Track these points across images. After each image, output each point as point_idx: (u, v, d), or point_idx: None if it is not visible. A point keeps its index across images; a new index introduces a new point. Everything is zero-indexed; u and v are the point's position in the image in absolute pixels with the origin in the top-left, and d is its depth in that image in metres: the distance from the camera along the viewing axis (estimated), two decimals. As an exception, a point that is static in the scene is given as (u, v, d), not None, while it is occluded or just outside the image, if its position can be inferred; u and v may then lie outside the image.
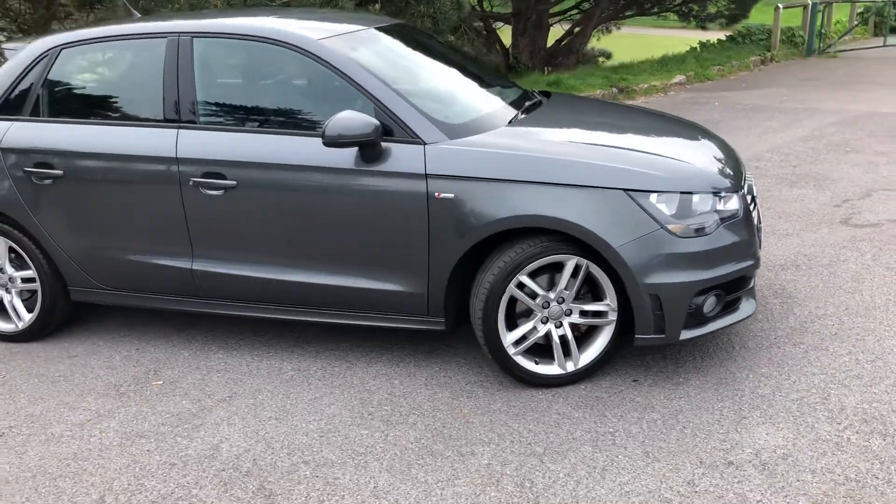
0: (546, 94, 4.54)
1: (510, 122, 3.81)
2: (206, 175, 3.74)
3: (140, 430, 3.41)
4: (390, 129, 3.52)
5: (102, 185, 3.93)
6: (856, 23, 19.70)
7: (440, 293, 3.60)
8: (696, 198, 3.41)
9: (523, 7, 14.78)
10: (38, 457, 3.26)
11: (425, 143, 3.51)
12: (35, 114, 4.08)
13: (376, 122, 3.44)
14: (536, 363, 3.57)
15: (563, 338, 3.54)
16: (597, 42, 19.65)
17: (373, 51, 3.94)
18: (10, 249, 4.22)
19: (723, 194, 3.50)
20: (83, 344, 4.27)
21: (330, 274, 3.72)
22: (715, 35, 18.15)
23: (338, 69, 3.64)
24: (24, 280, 4.24)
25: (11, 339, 4.33)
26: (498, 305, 3.45)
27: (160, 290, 4.03)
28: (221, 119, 3.83)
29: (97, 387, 3.80)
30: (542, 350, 3.58)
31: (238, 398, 3.63)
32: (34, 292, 4.26)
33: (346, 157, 3.55)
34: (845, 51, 16.65)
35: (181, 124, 3.81)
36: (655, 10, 18.26)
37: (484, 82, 4.29)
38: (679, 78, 12.78)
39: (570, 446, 3.16)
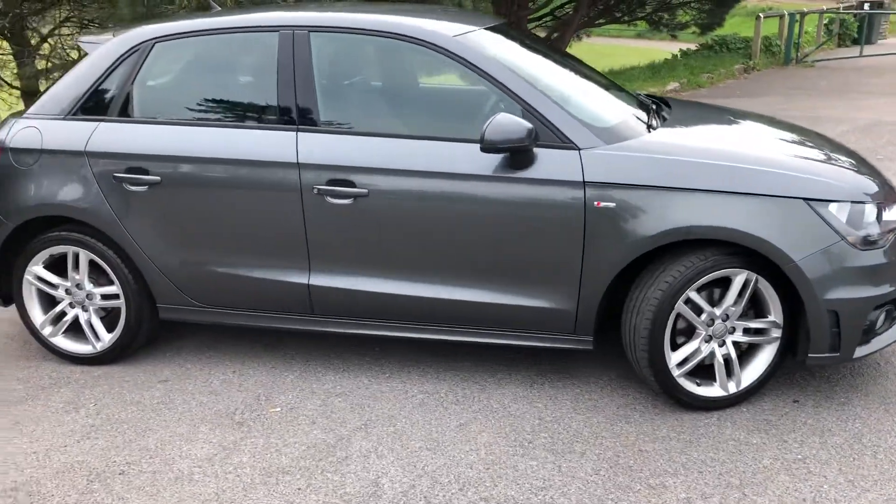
0: (657, 99, 4.31)
1: (649, 127, 3.57)
2: (331, 182, 3.42)
3: (280, 465, 3.07)
4: (537, 133, 3.25)
5: (206, 192, 3.57)
6: (830, 33, 20.07)
7: (591, 310, 3.35)
8: (866, 208, 3.23)
9: (504, 12, 14.62)
10: (175, 499, 2.91)
11: (580, 149, 3.26)
12: (125, 114, 3.71)
13: (530, 125, 3.18)
14: (698, 384, 3.34)
15: (725, 357, 3.31)
16: (570, 49, 19.63)
17: (499, 51, 3.66)
18: (90, 263, 3.81)
19: (886, 205, 3.32)
20: (169, 366, 3.90)
21: (468, 289, 3.43)
22: (685, 45, 18.22)
23: (479, 68, 3.37)
24: (105, 297, 3.85)
25: (87, 361, 3.94)
26: (665, 323, 3.22)
27: (265, 307, 3.69)
28: (346, 121, 3.52)
29: (207, 415, 3.45)
30: (699, 370, 3.35)
31: (374, 426, 3.32)
32: (111, 311, 3.88)
33: (492, 163, 3.28)
34: (821, 60, 16.89)
35: (300, 127, 3.48)
36: (626, 18, 18.28)
37: (601, 84, 4.04)
38: (673, 85, 12.76)
39: (764, 476, 2.94)
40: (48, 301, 3.96)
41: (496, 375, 3.71)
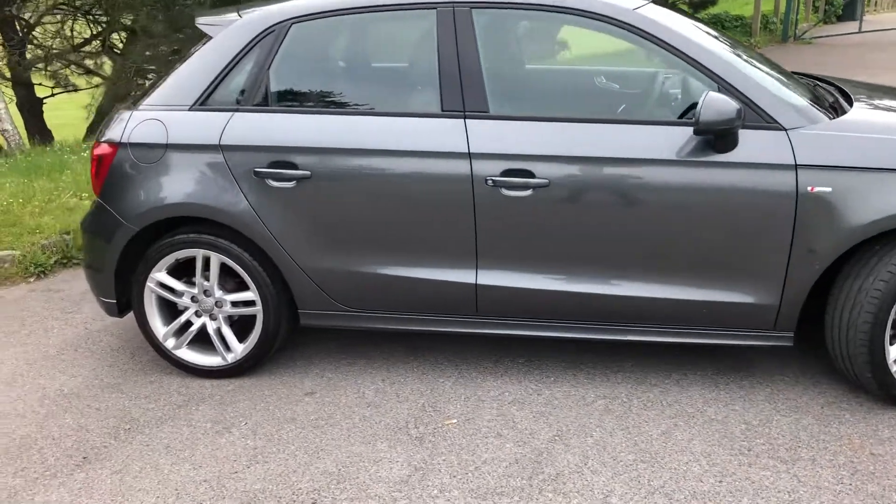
0: (817, 78, 4.06)
1: (836, 107, 3.32)
2: (507, 173, 3.13)
3: (489, 486, 2.79)
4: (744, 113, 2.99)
5: (361, 186, 3.26)
6: (817, 10, 20.10)
7: (796, 304, 3.11)
8: None
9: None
10: (392, 529, 2.61)
11: (786, 129, 3.00)
12: (262, 103, 3.36)
13: (738, 104, 2.91)
14: (911, 380, 3.12)
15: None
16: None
17: (677, 24, 3.38)
18: (222, 268, 3.47)
19: None
20: (308, 377, 3.59)
21: (658, 285, 3.17)
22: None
23: (668, 43, 3.10)
24: (237, 304, 3.51)
25: (215, 375, 3.60)
26: (887, 317, 2.98)
27: (423, 309, 3.39)
28: (519, 106, 3.23)
29: (378, 431, 3.15)
30: None
31: (569, 437, 3.06)
32: (238, 319, 3.57)
33: (690, 147, 3.02)
34: (818, 37, 16.87)
35: (468, 113, 3.18)
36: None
37: (762, 61, 3.78)
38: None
39: None
40: (169, 310, 3.62)
41: (671, 376, 3.46)
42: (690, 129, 2.99)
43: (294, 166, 3.27)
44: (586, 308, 3.25)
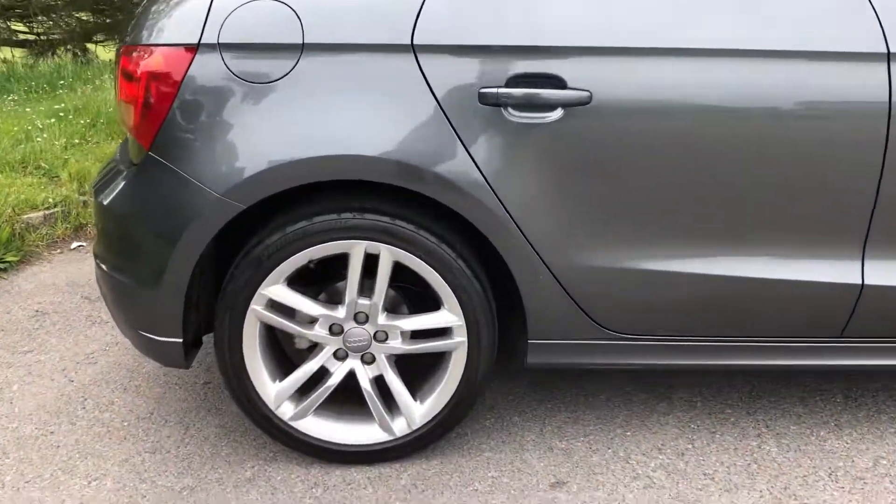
0: None
1: None
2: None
3: None
4: None
5: (694, 128, 1.80)
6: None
7: None
8: None
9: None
10: None
11: None
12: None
13: None
14: None
15: None
16: None
17: None
18: (394, 273, 1.92)
19: None
20: (529, 449, 2.10)
21: None
22: None
23: None
24: (418, 335, 1.97)
25: (370, 457, 2.07)
26: None
27: (767, 330, 2.01)
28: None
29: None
30: None
31: None
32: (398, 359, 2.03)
33: None
34: None
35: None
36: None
37: None
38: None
39: None
40: (277, 353, 2.03)
41: None
42: None
43: (559, 82, 1.75)
44: None
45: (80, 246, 3.55)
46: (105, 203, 1.97)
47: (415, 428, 2.04)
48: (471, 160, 1.79)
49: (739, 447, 2.12)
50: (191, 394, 2.36)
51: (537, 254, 1.88)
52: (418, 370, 2.09)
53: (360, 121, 1.79)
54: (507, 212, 1.83)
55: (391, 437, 2.04)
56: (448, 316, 1.94)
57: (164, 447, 2.12)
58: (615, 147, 1.81)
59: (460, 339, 1.96)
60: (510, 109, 1.78)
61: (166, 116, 1.82)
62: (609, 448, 2.12)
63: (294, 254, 1.87)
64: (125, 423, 2.23)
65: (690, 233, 1.88)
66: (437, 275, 1.89)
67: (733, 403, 2.31)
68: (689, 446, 2.12)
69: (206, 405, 2.30)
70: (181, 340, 1.95)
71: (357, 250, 1.88)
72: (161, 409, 2.30)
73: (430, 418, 2.04)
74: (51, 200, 3.68)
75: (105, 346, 2.65)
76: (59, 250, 3.49)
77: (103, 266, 2.04)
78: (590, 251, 1.89)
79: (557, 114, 1.78)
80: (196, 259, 1.86)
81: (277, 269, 1.88)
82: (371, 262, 1.89)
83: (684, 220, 1.87)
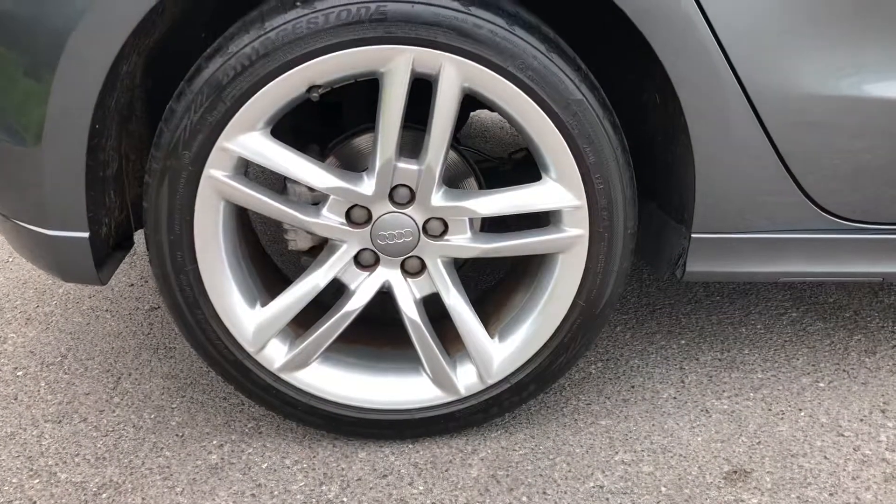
0: None
1: None
2: None
3: None
4: None
5: None
6: None
7: None
8: None
9: None
10: None
11: None
12: None
13: None
14: None
15: None
16: None
17: None
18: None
19: None
20: (602, 400, 1.26)
21: None
22: None
23: None
24: (498, 228, 1.11)
25: (423, 427, 1.27)
26: None
27: None
28: None
29: None
30: None
31: None
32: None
33: None
34: None
35: None
36: None
37: None
38: None
39: None
40: (251, 254, 1.18)
41: None
42: None
43: None
44: None
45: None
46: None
47: (491, 383, 1.20)
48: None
49: None
50: (127, 326, 1.51)
51: (737, 77, 1.02)
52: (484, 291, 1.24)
53: None
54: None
55: (452, 398, 1.21)
56: (557, 190, 1.08)
57: (78, 413, 1.28)
58: None
59: (576, 231, 1.10)
60: None
61: None
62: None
63: (282, 73, 0.99)
64: (20, 375, 1.38)
65: None
66: (544, 114, 1.03)
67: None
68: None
69: (151, 344, 1.45)
70: (87, 235, 1.09)
71: (397, 65, 1.00)
72: (79, 351, 1.45)
73: (517, 367, 1.19)
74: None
75: None
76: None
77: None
78: (824, 76, 1.03)
79: None
80: (101, 81, 0.98)
81: (251, 102, 1.01)
82: (420, 92, 1.03)
83: None
